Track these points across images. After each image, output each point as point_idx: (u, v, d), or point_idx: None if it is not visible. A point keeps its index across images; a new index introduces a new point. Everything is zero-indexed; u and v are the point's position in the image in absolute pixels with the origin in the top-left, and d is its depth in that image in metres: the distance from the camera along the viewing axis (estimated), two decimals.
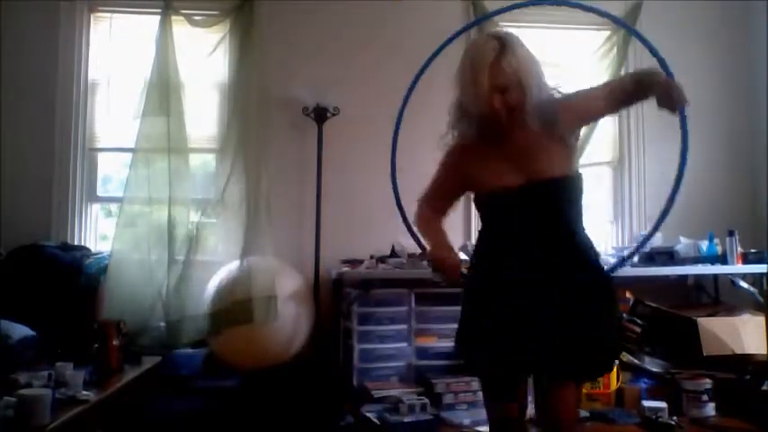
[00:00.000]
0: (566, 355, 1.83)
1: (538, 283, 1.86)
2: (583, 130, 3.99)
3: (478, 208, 2.04)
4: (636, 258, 3.76)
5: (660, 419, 3.03)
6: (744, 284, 3.71)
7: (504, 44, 1.83)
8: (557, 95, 1.97)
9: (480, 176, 1.95)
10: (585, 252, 1.96)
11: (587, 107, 2.00)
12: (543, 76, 1.92)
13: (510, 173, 1.89)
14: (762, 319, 3.35)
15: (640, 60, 4.21)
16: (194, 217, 3.78)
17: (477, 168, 1.96)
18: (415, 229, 2.15)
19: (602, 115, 2.12)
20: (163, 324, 3.48)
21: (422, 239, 2.11)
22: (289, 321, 3.25)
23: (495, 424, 2.01)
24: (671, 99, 1.87)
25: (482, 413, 3.10)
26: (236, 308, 3.20)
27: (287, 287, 3.32)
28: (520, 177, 1.89)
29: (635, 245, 3.29)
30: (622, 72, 4.17)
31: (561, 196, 1.90)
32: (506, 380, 1.96)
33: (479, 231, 2.07)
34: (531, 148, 1.90)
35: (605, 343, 1.91)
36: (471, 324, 1.98)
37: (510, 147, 1.92)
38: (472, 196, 2.06)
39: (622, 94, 1.99)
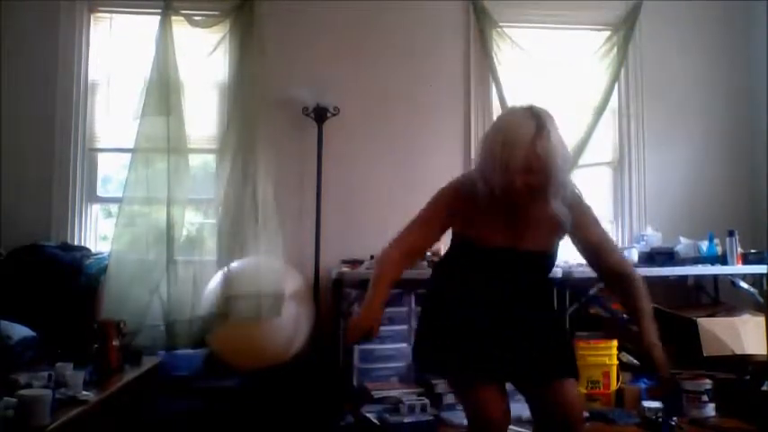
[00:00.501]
0: (550, 360, 1.96)
1: (509, 301, 1.97)
2: (582, 131, 4.06)
3: (457, 244, 2.06)
4: (636, 258, 3.78)
5: (660, 419, 3.03)
6: (744, 285, 3.71)
7: (541, 127, 1.80)
8: (575, 189, 2.00)
9: (472, 227, 1.97)
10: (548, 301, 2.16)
11: (587, 232, 2.01)
12: (570, 160, 2.00)
13: (504, 235, 1.94)
14: (762, 319, 3.35)
15: (640, 60, 4.23)
16: (194, 217, 3.78)
17: (472, 217, 1.96)
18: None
19: (584, 252, 2.06)
20: (162, 324, 3.48)
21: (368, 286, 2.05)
22: (289, 321, 3.24)
23: (479, 412, 1.93)
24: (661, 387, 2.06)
25: None
26: (245, 301, 3.20)
27: (287, 287, 3.32)
28: (511, 241, 1.94)
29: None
30: (622, 73, 4.18)
31: (542, 266, 2.03)
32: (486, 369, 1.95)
33: (450, 258, 2.11)
34: (534, 221, 1.94)
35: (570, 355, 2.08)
36: (443, 331, 2.00)
37: (513, 212, 1.93)
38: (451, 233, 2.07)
39: (615, 284, 2.06)
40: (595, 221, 2.03)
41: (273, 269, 3.33)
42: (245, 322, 3.20)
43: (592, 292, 3.60)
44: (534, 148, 1.77)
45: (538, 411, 2.03)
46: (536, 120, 1.81)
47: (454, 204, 1.99)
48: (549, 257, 2.03)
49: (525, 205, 1.90)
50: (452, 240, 2.10)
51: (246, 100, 3.76)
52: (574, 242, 2.03)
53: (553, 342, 2.02)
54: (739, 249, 3.69)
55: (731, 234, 3.70)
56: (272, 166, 3.75)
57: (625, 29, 4.15)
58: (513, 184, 1.81)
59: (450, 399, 3.19)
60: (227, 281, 3.32)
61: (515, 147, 1.78)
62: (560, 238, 2.02)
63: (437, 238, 2.08)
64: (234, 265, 3.40)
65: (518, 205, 1.90)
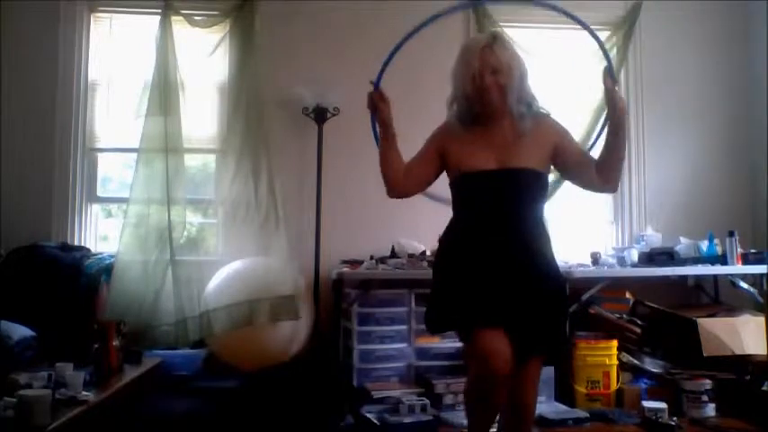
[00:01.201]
0: (534, 333, 2.01)
1: (507, 263, 2.02)
2: (582, 131, 4.06)
3: (453, 188, 2.16)
4: (636, 258, 3.78)
5: (660, 419, 3.03)
6: (744, 285, 3.71)
7: (497, 36, 2.09)
8: (542, 108, 2.15)
9: (459, 156, 2.10)
10: (547, 246, 2.11)
11: (572, 146, 2.17)
12: (528, 76, 2.11)
13: (487, 157, 2.06)
14: (762, 319, 3.35)
15: (640, 60, 4.23)
16: (195, 217, 3.78)
17: (457, 148, 2.11)
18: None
19: (569, 168, 2.17)
20: (163, 324, 3.48)
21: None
22: (289, 321, 3.24)
23: (483, 359, 1.94)
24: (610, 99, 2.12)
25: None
26: (279, 301, 3.19)
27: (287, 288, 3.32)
28: (496, 163, 2.05)
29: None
30: (622, 72, 4.18)
31: (530, 185, 2.06)
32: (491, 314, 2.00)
33: (452, 216, 2.19)
34: (510, 140, 2.07)
35: (561, 335, 2.12)
36: (448, 289, 2.09)
37: (492, 136, 2.08)
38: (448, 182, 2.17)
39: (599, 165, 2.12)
40: (573, 138, 2.20)
41: (284, 270, 3.32)
42: (264, 326, 3.19)
43: (592, 292, 3.60)
44: (492, 48, 2.03)
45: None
46: (491, 33, 2.16)
47: (441, 139, 2.16)
48: (538, 176, 2.07)
49: (500, 116, 2.05)
50: (451, 190, 2.16)
51: (247, 100, 3.76)
52: (559, 162, 2.11)
53: (544, 314, 2.03)
54: (739, 249, 3.70)
55: (731, 234, 3.70)
56: (273, 166, 3.76)
57: (625, 28, 4.15)
58: (483, 85, 2.00)
59: (449, 399, 3.20)
60: (240, 284, 3.31)
61: (476, 48, 2.05)
62: (546, 157, 2.09)
63: (432, 171, 2.17)
64: (242, 267, 3.39)
65: (495, 124, 2.06)
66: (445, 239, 2.19)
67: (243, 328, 3.16)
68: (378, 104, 2.20)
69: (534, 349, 2.06)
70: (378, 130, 2.22)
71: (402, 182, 2.17)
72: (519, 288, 2.01)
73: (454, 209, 2.18)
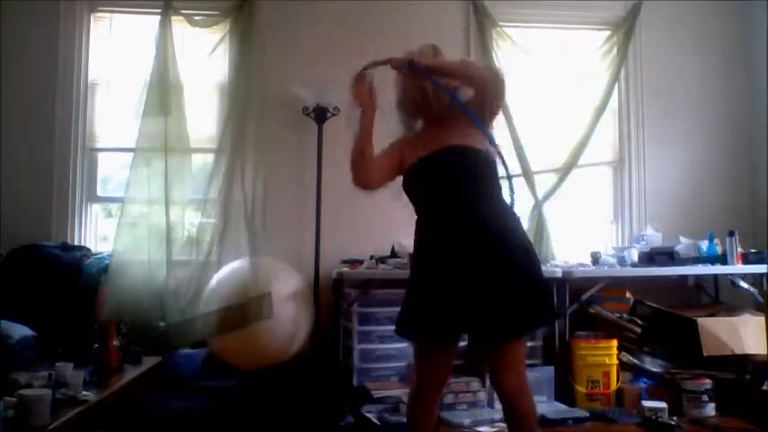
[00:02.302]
0: (501, 314, 2.02)
1: (468, 248, 2.06)
2: (582, 131, 4.06)
3: (406, 187, 2.26)
4: (636, 258, 3.78)
5: (660, 419, 3.03)
6: (744, 284, 3.71)
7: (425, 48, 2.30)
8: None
9: (409, 153, 2.23)
10: (506, 212, 2.16)
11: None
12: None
13: (431, 146, 2.17)
14: (762, 319, 3.35)
15: (640, 60, 4.23)
16: (194, 217, 3.78)
17: (408, 149, 2.25)
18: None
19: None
20: (163, 324, 3.48)
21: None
22: (289, 321, 3.24)
23: (423, 372, 2.16)
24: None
25: (482, 413, 3.14)
26: (228, 314, 3.20)
27: (287, 287, 3.31)
28: (446, 143, 2.15)
29: None
30: (622, 72, 4.19)
31: (476, 160, 2.13)
32: (444, 331, 2.10)
33: (416, 225, 2.25)
34: (452, 129, 2.17)
35: (531, 298, 2.08)
36: (414, 293, 2.18)
37: (435, 130, 2.22)
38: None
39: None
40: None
41: (263, 271, 3.29)
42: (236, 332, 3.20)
43: (592, 291, 3.60)
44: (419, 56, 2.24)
45: (490, 376, 2.19)
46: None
47: (398, 144, 2.29)
48: (482, 154, 2.13)
49: (441, 115, 2.20)
50: (408, 195, 2.26)
51: (246, 100, 3.76)
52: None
53: (510, 294, 2.04)
54: (739, 249, 3.70)
55: (731, 234, 3.70)
56: (270, 166, 3.76)
57: (625, 28, 4.15)
58: (420, 84, 2.20)
59: (449, 399, 3.20)
60: (216, 291, 3.31)
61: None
62: (484, 137, 2.16)
63: (396, 166, 2.27)
64: (231, 266, 3.39)
65: (436, 121, 2.22)
66: (415, 239, 2.25)
67: (239, 330, 3.16)
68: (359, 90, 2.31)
69: (503, 334, 2.06)
70: (362, 117, 2.27)
71: (373, 173, 2.27)
72: (472, 277, 2.04)
73: (417, 213, 2.25)
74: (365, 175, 2.26)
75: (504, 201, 2.18)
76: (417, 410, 2.20)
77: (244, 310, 3.14)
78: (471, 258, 2.05)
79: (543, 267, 3.61)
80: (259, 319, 3.12)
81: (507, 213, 2.16)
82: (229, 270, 3.37)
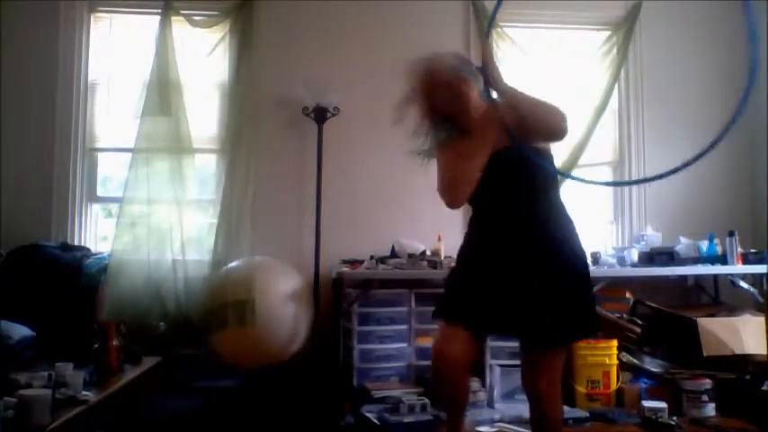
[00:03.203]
0: (552, 320, 2.00)
1: (521, 250, 2.05)
2: (582, 131, 4.06)
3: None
4: (636, 258, 3.78)
5: (660, 419, 3.03)
6: (744, 285, 3.71)
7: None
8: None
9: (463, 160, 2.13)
10: (564, 217, 2.14)
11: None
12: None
13: (481, 150, 2.10)
14: (762, 319, 3.34)
15: (640, 60, 4.23)
16: (194, 217, 3.78)
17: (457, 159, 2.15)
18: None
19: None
20: (163, 324, 3.48)
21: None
22: (289, 321, 3.24)
23: (434, 356, 2.06)
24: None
25: (482, 413, 3.14)
26: (209, 316, 3.20)
27: (287, 287, 3.31)
28: (489, 149, 2.10)
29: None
30: (622, 73, 4.19)
31: (532, 167, 2.09)
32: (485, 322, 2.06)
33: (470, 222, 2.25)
34: (484, 132, 2.12)
35: (581, 309, 2.07)
36: (462, 282, 2.14)
37: (470, 136, 2.13)
38: None
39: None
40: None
41: (245, 275, 3.27)
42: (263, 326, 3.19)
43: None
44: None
45: (523, 378, 2.17)
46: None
47: (443, 146, 2.19)
48: (526, 153, 2.07)
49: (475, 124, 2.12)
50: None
51: (246, 100, 3.76)
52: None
53: (564, 302, 2.03)
54: (739, 249, 3.69)
55: (731, 234, 3.70)
56: (273, 166, 3.76)
57: (625, 29, 4.15)
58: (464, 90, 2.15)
59: None
60: (202, 292, 3.34)
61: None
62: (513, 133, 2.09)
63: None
64: (220, 272, 3.40)
65: (467, 127, 2.13)
66: (468, 235, 2.23)
67: (242, 329, 3.16)
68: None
69: (549, 340, 2.06)
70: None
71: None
72: (525, 279, 2.03)
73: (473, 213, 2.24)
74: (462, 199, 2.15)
75: (561, 204, 2.16)
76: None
77: (224, 312, 3.14)
78: (528, 261, 2.04)
79: None
80: (239, 324, 3.12)
81: (565, 218, 2.14)
82: (223, 270, 3.38)
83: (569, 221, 2.15)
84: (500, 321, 2.04)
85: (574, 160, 4.02)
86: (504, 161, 2.10)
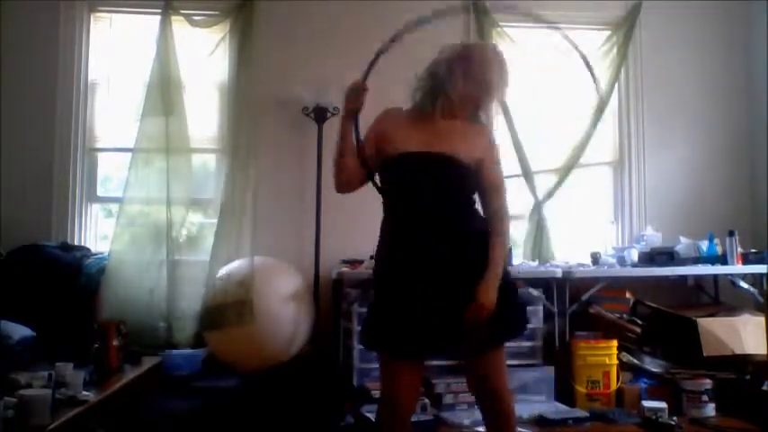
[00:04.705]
0: (477, 330, 1.99)
1: (437, 263, 2.03)
2: (582, 131, 4.06)
3: (382, 174, 2.20)
4: (636, 258, 3.78)
5: (660, 419, 3.03)
6: (744, 285, 3.71)
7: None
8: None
9: (396, 140, 2.13)
10: (477, 223, 2.12)
11: (488, 170, 2.15)
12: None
13: (419, 143, 2.08)
14: (762, 319, 3.35)
15: (640, 60, 4.23)
16: (194, 217, 3.78)
17: (396, 132, 2.15)
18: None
19: (480, 189, 2.18)
20: (162, 324, 3.48)
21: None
22: (289, 321, 3.24)
23: (386, 397, 2.09)
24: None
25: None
26: (208, 314, 3.22)
27: (286, 287, 3.31)
28: (427, 146, 2.08)
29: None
30: (622, 72, 4.18)
31: (461, 179, 2.08)
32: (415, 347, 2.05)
33: (381, 222, 2.23)
34: (445, 131, 2.10)
35: (509, 306, 2.08)
36: (382, 307, 2.12)
37: (429, 125, 2.12)
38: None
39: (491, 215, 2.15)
40: (498, 163, 2.18)
41: (246, 275, 3.26)
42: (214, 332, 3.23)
43: (592, 291, 3.60)
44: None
45: (471, 382, 2.20)
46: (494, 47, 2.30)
47: (379, 124, 2.23)
48: (462, 166, 2.06)
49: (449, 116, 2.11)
50: (381, 187, 2.23)
51: (246, 100, 3.76)
52: (477, 177, 2.11)
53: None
54: (739, 249, 3.70)
55: (731, 234, 3.70)
56: (273, 166, 3.76)
57: (625, 28, 4.15)
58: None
59: (449, 399, 3.20)
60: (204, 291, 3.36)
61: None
62: (470, 152, 2.08)
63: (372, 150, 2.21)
64: (228, 266, 3.41)
65: (438, 119, 2.11)
66: (380, 241, 2.20)
67: (242, 329, 3.16)
68: (360, 97, 2.22)
69: (480, 349, 2.07)
70: (345, 124, 2.24)
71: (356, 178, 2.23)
72: (445, 293, 2.01)
73: (384, 206, 2.23)
74: (351, 185, 2.30)
75: (479, 212, 2.15)
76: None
77: (222, 312, 3.15)
78: (447, 273, 2.03)
79: (543, 267, 3.69)
80: (238, 324, 3.13)
81: (482, 226, 2.12)
82: (223, 270, 3.39)
83: (483, 222, 2.13)
84: (443, 342, 2.04)
85: (574, 160, 4.02)
86: (427, 164, 2.07)
